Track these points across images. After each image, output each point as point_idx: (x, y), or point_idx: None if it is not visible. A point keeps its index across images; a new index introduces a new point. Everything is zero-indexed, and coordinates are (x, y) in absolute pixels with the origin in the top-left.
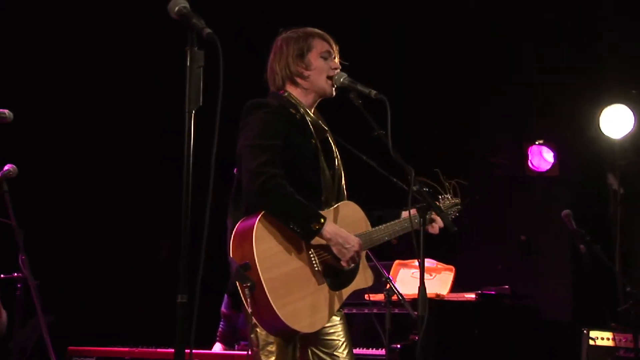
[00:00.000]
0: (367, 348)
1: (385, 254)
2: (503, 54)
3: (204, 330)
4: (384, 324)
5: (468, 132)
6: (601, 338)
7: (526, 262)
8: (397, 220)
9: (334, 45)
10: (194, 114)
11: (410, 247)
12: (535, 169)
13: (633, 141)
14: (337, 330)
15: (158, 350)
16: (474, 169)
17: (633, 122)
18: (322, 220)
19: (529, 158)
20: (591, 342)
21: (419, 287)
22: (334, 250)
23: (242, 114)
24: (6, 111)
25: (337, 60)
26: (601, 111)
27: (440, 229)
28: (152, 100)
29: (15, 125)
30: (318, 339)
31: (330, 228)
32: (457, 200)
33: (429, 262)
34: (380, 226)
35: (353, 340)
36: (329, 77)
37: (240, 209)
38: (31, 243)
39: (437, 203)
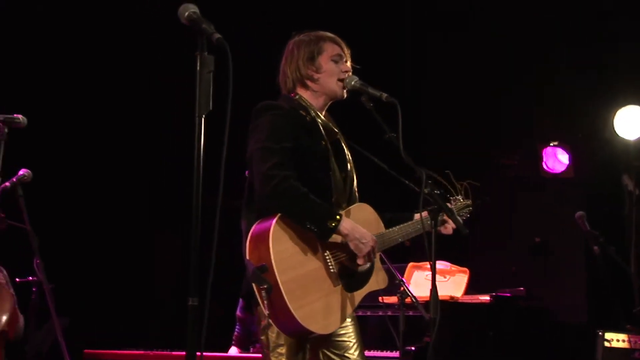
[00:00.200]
0: (382, 350)
1: (399, 257)
2: (517, 56)
3: (221, 334)
4: (398, 327)
5: (482, 134)
6: (616, 340)
7: (541, 264)
8: (409, 222)
9: (345, 49)
10: (205, 118)
11: (424, 249)
12: (550, 170)
13: None
14: (348, 332)
15: (173, 353)
16: (487, 171)
17: None
18: (338, 217)
19: (544, 160)
20: (606, 344)
21: (430, 289)
22: (351, 245)
23: (252, 117)
24: (20, 116)
25: (348, 63)
26: (615, 112)
27: (453, 230)
28: (166, 104)
29: (29, 130)
30: (329, 340)
31: (347, 224)
32: (469, 202)
33: (443, 265)
34: (393, 228)
35: (367, 342)
36: (340, 80)
37: (253, 212)
38: (46, 247)
39: (449, 205)
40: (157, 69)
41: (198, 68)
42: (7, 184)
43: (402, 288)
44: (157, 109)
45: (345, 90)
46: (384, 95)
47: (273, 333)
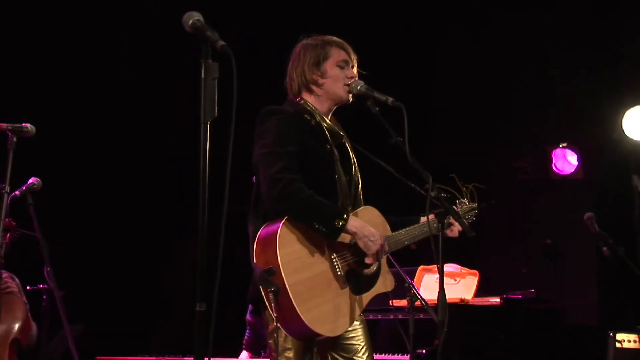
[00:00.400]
0: (392, 354)
1: (409, 260)
2: (526, 58)
3: (232, 339)
4: (408, 330)
5: (491, 136)
6: (627, 340)
7: (552, 265)
8: (416, 225)
9: (352, 55)
10: (211, 125)
11: (434, 252)
12: (559, 172)
13: None
14: (357, 335)
15: (184, 359)
16: (497, 173)
17: None
18: (345, 216)
19: (553, 161)
20: (617, 345)
21: (438, 292)
22: (360, 244)
23: (257, 122)
24: (28, 125)
25: (355, 69)
26: (624, 113)
27: (460, 232)
28: (181, 110)
29: (38, 139)
30: (338, 343)
31: (354, 222)
32: (474, 205)
33: (453, 267)
34: (400, 230)
35: (378, 346)
36: (345, 85)
37: (260, 216)
38: (58, 254)
39: (455, 208)
40: (173, 77)
41: (202, 75)
42: (17, 192)
43: (411, 291)
44: (172, 115)
45: (351, 95)
46: (390, 99)
47: (281, 337)
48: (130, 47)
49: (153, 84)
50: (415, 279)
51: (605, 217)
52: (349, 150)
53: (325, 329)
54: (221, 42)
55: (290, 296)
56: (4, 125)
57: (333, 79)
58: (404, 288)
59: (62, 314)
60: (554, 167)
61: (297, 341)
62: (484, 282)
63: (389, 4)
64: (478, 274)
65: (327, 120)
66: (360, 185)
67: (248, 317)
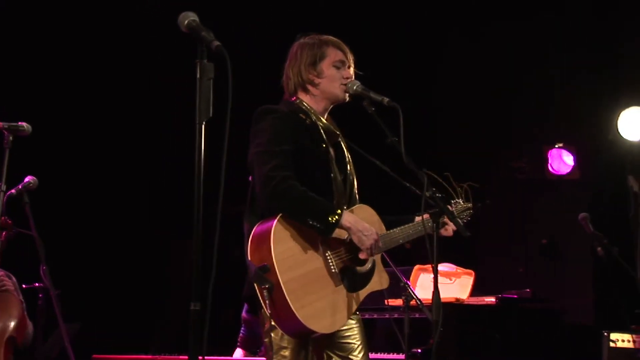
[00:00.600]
0: (388, 353)
1: (406, 259)
2: (523, 60)
3: (227, 337)
4: (404, 329)
5: (488, 136)
6: (622, 340)
7: (548, 265)
8: (411, 224)
9: (348, 55)
10: (208, 124)
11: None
12: (556, 172)
13: None
14: (353, 333)
15: (180, 357)
16: (494, 173)
17: None
18: (339, 211)
19: (549, 161)
20: (612, 345)
21: (432, 292)
22: (354, 239)
23: (252, 121)
24: (24, 124)
25: (351, 69)
26: (619, 114)
27: (455, 232)
28: (180, 110)
29: (34, 138)
30: (333, 341)
31: (348, 217)
32: (469, 205)
33: (448, 267)
34: (395, 229)
35: (374, 345)
36: (342, 85)
37: (256, 215)
38: (54, 253)
39: (450, 207)
40: (175, 77)
41: (198, 75)
42: (13, 191)
43: (407, 291)
44: (173, 114)
45: (347, 95)
46: (386, 99)
47: (277, 335)
48: (127, 46)
49: (153, 82)
50: (411, 279)
51: (601, 217)
52: (345, 149)
53: (319, 326)
54: (216, 43)
55: (285, 293)
56: (0, 124)
57: (329, 79)
58: (399, 287)
59: (58, 312)
60: (550, 167)
61: (293, 340)
62: (481, 281)
63: (388, 4)
64: (474, 273)
65: (323, 120)
66: (355, 184)
67: (243, 314)
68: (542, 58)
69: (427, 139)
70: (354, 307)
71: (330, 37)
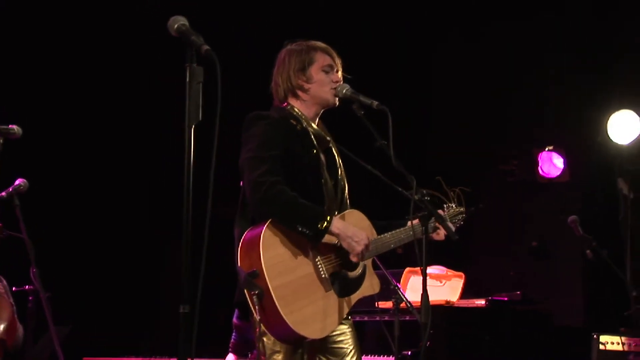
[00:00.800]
0: (379, 355)
1: (396, 262)
2: (512, 62)
3: (220, 341)
4: (394, 332)
5: (478, 139)
6: (611, 343)
7: (538, 267)
8: (402, 229)
9: (336, 59)
10: (199, 127)
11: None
12: (546, 175)
13: None
14: (345, 338)
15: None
16: (485, 175)
17: None
18: (329, 217)
19: (539, 164)
20: (601, 347)
21: (421, 295)
22: (344, 244)
23: (243, 127)
24: (15, 127)
25: (339, 74)
26: (609, 117)
27: (447, 236)
28: (171, 111)
29: (24, 140)
30: (326, 346)
31: (337, 223)
32: (462, 209)
33: (438, 269)
34: (386, 234)
35: (365, 347)
36: (332, 89)
37: (247, 220)
38: (45, 256)
39: (442, 211)
40: (170, 77)
41: (187, 79)
42: (4, 193)
43: (397, 293)
44: (162, 114)
45: (337, 99)
46: (375, 103)
47: (269, 340)
48: (119, 47)
49: (147, 83)
50: (401, 281)
51: (591, 219)
52: (335, 154)
53: (309, 331)
54: (206, 47)
55: (274, 299)
56: None
57: (319, 84)
58: (389, 290)
59: (48, 315)
60: (540, 170)
61: (285, 345)
62: (472, 284)
63: (381, 10)
64: (464, 275)
65: (314, 125)
66: (346, 190)
67: (235, 320)
68: (532, 62)
69: (418, 142)
70: (345, 311)
71: (318, 42)
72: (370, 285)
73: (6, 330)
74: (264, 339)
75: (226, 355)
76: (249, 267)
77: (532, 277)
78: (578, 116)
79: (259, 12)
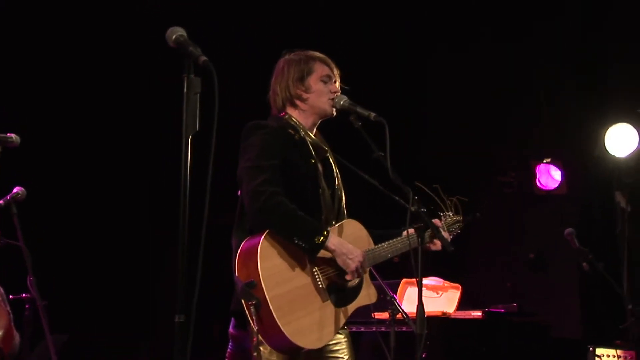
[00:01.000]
0: None
1: (393, 273)
2: (511, 75)
3: (215, 352)
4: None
5: (477, 150)
6: (607, 355)
7: (535, 279)
8: (399, 238)
9: (334, 70)
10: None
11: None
12: (543, 187)
13: (638, 159)
14: (341, 348)
15: None
16: (482, 187)
17: (637, 140)
18: (326, 232)
19: (537, 176)
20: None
21: (417, 306)
22: (339, 261)
23: (242, 137)
24: (13, 135)
25: (337, 84)
26: (606, 130)
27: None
28: (170, 121)
29: (23, 148)
30: (323, 356)
31: (334, 240)
32: (459, 218)
33: (435, 281)
34: (383, 244)
35: (361, 358)
36: (330, 99)
37: (244, 230)
38: (42, 264)
39: (440, 221)
40: (171, 77)
41: (185, 90)
42: (1, 202)
43: (393, 304)
44: (160, 123)
45: (334, 109)
46: (372, 114)
47: (266, 350)
48: (117, 54)
49: (152, 87)
50: (398, 292)
51: (588, 232)
52: (333, 164)
53: (306, 342)
54: (203, 58)
55: (271, 309)
56: None
57: (317, 94)
58: (386, 301)
59: (45, 323)
60: (538, 182)
61: (281, 354)
62: (469, 295)
63: (377, 19)
64: (460, 287)
65: (312, 135)
66: (343, 199)
67: (231, 329)
68: (530, 74)
69: (416, 153)
70: (342, 322)
71: (316, 53)
72: (367, 295)
73: (3, 338)
74: (261, 348)
75: None
76: (246, 277)
77: (528, 289)
78: (576, 129)
79: (256, 20)
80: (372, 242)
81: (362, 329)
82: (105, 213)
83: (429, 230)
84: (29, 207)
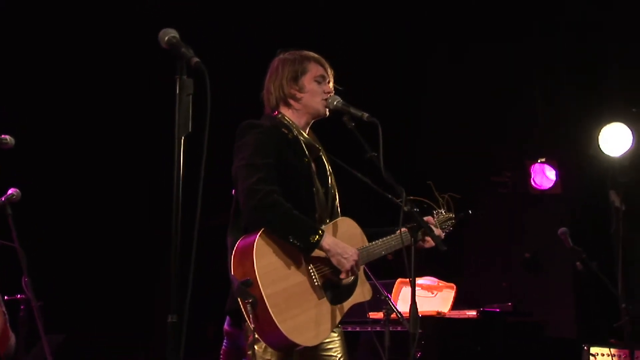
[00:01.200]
0: None
1: (388, 272)
2: (506, 76)
3: (210, 351)
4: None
5: (471, 150)
6: (601, 354)
7: (529, 279)
8: (392, 236)
9: (329, 70)
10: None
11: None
12: (538, 187)
13: (632, 159)
14: (335, 346)
15: None
16: (477, 187)
17: (631, 140)
18: (321, 232)
19: (532, 176)
20: (591, 358)
21: (410, 305)
22: (333, 261)
23: (236, 136)
24: (7, 137)
25: (331, 84)
26: (600, 130)
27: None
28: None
29: (18, 149)
30: (317, 354)
31: (328, 239)
32: (451, 215)
33: (430, 280)
34: (377, 241)
35: (357, 357)
36: (323, 99)
37: (239, 228)
38: (38, 264)
39: (433, 218)
40: (168, 77)
41: (177, 91)
42: None
43: (387, 304)
44: (152, 122)
45: (328, 109)
46: (365, 115)
47: (260, 348)
48: (111, 55)
49: (145, 86)
50: (393, 292)
51: (583, 231)
52: (326, 163)
53: (302, 339)
54: (195, 59)
55: (268, 307)
56: None
57: (311, 94)
58: (380, 300)
59: (40, 324)
60: (532, 182)
61: (276, 352)
62: (463, 295)
63: (375, 21)
64: (455, 287)
65: (305, 134)
66: (337, 198)
67: (226, 327)
68: (525, 75)
69: (410, 152)
70: (338, 319)
71: (311, 53)
72: (362, 292)
73: None
74: (255, 346)
75: None
76: (242, 276)
77: (523, 289)
78: (570, 129)
79: (256, 20)
80: (366, 239)
81: (358, 329)
82: (100, 213)
83: (422, 228)
84: (24, 208)
